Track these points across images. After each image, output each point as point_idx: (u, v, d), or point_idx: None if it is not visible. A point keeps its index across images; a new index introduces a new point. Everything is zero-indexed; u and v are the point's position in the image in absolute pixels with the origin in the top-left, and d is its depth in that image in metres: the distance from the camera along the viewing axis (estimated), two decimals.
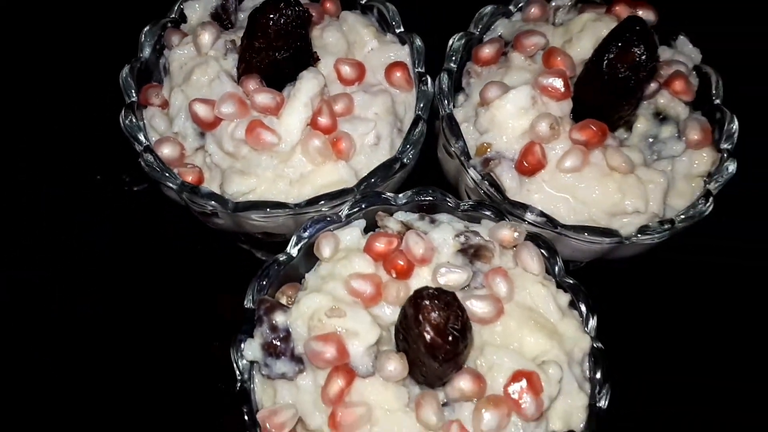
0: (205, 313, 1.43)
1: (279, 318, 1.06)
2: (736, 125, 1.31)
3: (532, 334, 1.06)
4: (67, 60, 1.72)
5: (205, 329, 1.39)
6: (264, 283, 1.12)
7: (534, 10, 1.42)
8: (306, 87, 1.22)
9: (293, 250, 1.16)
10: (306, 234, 1.16)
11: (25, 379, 1.39)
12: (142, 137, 1.28)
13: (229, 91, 1.24)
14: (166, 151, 1.26)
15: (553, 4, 1.43)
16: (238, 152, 1.23)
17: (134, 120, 1.29)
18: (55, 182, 1.59)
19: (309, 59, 1.29)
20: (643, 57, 1.13)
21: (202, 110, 1.23)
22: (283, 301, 1.14)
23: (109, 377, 1.39)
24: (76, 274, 1.49)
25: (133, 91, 1.31)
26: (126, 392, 1.38)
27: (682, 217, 1.25)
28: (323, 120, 1.23)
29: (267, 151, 1.22)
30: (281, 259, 1.15)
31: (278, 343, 1.05)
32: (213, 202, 1.20)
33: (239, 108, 1.22)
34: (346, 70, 1.32)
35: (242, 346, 1.07)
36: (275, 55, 1.21)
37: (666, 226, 1.23)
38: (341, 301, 1.06)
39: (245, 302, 1.10)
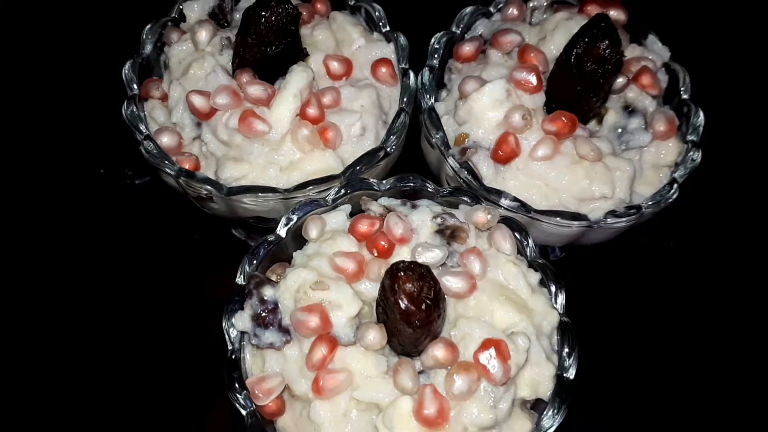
0: (200, 295, 1.48)
1: (267, 292, 1.12)
2: (701, 118, 1.37)
3: (503, 307, 1.11)
4: (73, 56, 1.78)
5: (200, 310, 1.43)
6: (254, 261, 1.18)
7: (512, 11, 1.48)
8: (295, 79, 1.28)
9: (282, 231, 1.21)
10: (294, 216, 1.22)
11: (23, 359, 1.44)
12: (143, 128, 1.34)
13: (224, 83, 1.30)
14: (165, 140, 1.32)
15: (531, 4, 1.49)
16: (232, 141, 1.29)
17: (135, 111, 1.35)
18: (56, 174, 1.65)
19: (299, 55, 1.36)
20: (608, 51, 1.20)
21: (198, 101, 1.28)
22: (273, 278, 1.19)
23: (112, 359, 1.44)
24: (78, 264, 1.55)
25: (134, 84, 1.38)
26: (128, 369, 1.43)
27: (649, 203, 1.31)
28: (312, 111, 1.29)
29: (259, 139, 1.28)
30: (270, 239, 1.20)
31: (266, 315, 1.10)
32: (208, 186, 1.26)
33: (233, 99, 1.28)
34: (335, 66, 1.38)
35: (233, 317, 1.12)
36: (267, 50, 1.28)
37: (632, 211, 1.28)
38: (326, 276, 1.11)
39: (237, 278, 1.16)
